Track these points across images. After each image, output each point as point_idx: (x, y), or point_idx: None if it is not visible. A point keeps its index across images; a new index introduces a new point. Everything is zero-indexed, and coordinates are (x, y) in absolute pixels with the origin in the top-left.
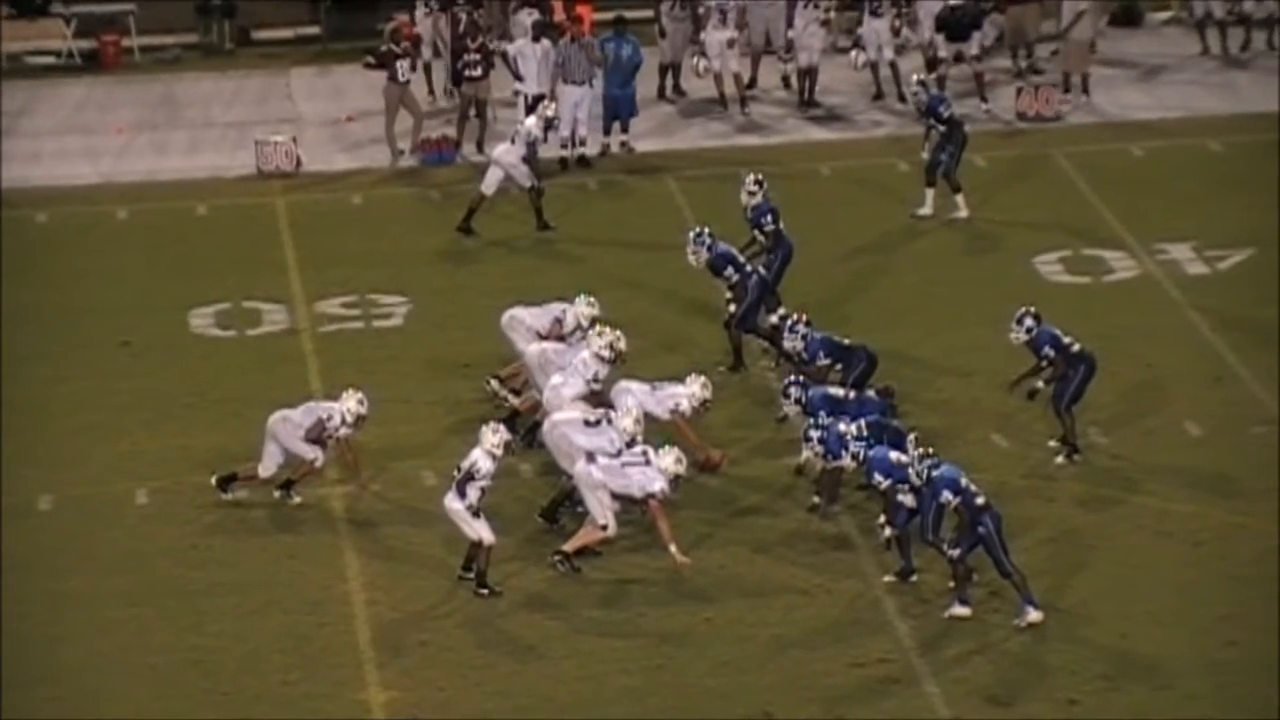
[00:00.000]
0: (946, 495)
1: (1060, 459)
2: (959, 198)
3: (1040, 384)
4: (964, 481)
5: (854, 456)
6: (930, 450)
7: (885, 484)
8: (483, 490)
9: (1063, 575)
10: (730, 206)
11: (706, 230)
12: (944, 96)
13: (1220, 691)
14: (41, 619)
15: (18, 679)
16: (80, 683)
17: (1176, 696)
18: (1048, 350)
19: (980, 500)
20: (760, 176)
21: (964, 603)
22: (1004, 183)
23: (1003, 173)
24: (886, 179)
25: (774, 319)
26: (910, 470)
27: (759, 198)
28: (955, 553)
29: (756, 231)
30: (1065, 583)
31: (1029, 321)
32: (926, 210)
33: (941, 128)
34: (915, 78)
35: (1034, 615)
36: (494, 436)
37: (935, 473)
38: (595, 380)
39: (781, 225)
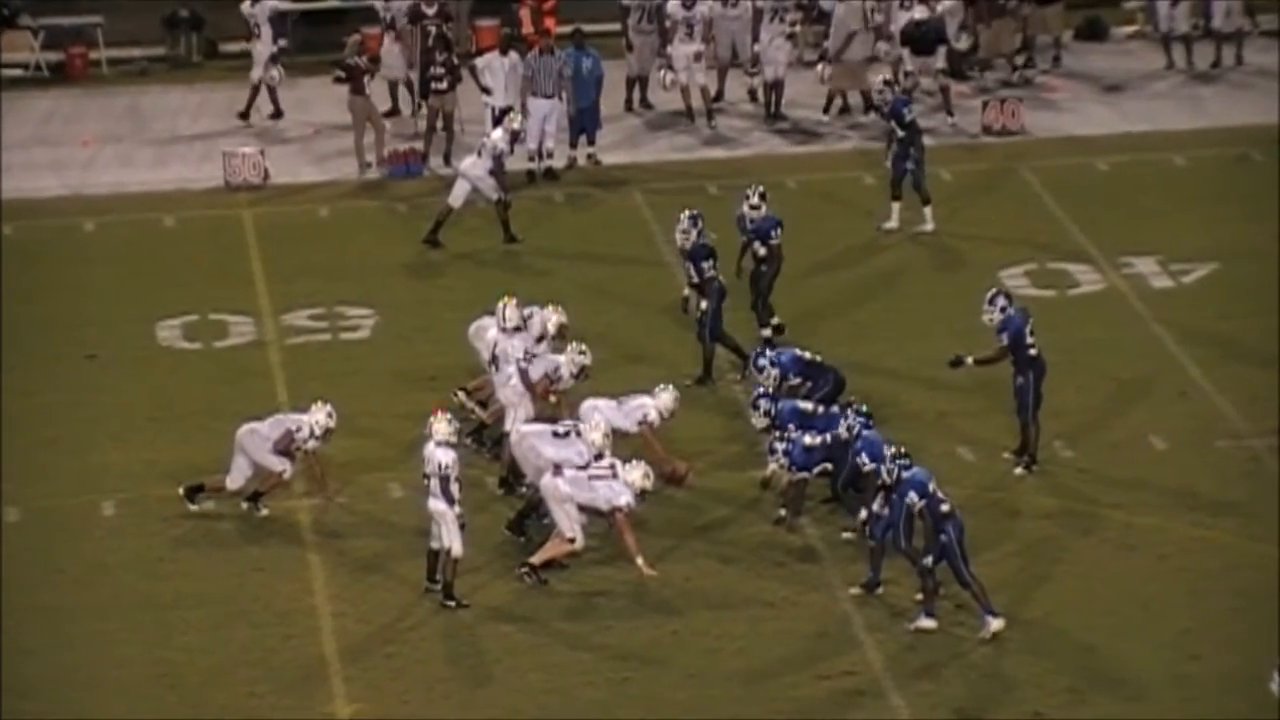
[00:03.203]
0: (913, 496)
1: (1019, 470)
2: (927, 210)
3: (970, 360)
4: (932, 486)
5: (848, 429)
6: (903, 451)
7: (870, 468)
8: (460, 483)
9: (1028, 588)
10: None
11: (699, 214)
12: (908, 100)
13: (1185, 705)
14: (7, 632)
15: None
16: (47, 696)
17: (1141, 710)
18: (1004, 338)
19: (945, 508)
20: (764, 189)
21: (930, 615)
22: (969, 196)
23: (968, 186)
24: (852, 192)
25: (767, 332)
26: (882, 469)
27: (764, 209)
28: (928, 561)
29: (759, 244)
30: (1031, 595)
31: (1001, 301)
32: (893, 224)
33: (901, 132)
34: (881, 78)
35: (995, 624)
36: (447, 426)
37: (905, 474)
38: (525, 358)
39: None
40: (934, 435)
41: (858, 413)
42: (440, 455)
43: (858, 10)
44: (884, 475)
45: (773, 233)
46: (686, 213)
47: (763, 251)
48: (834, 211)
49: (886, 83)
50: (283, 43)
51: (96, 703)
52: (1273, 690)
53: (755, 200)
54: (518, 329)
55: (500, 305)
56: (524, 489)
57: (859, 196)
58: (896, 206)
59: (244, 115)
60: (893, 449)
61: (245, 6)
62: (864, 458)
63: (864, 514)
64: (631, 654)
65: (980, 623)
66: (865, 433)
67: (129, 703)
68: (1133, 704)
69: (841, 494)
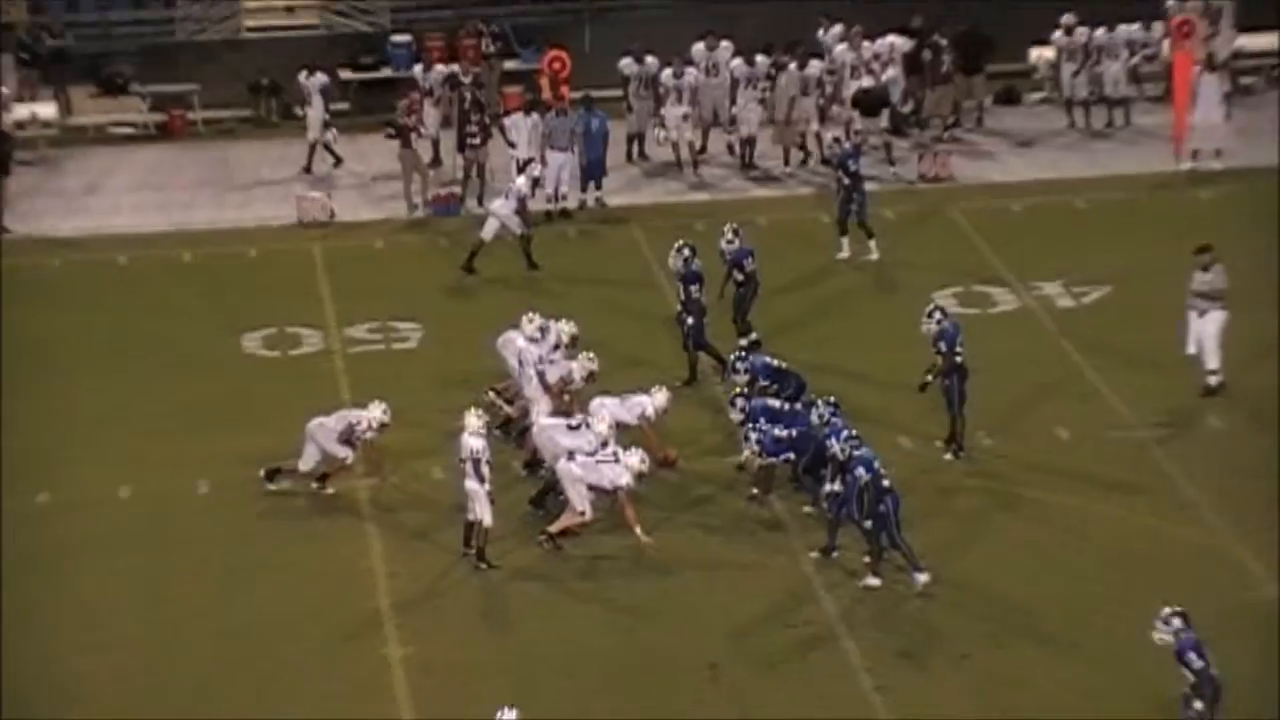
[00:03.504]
0: (861, 471)
1: (948, 456)
2: (872, 242)
3: (930, 378)
4: (877, 464)
5: (819, 418)
6: (855, 434)
7: (835, 450)
8: (490, 466)
9: (956, 552)
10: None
11: (690, 246)
12: (854, 153)
13: (1086, 646)
14: (114, 591)
15: (94, 642)
16: (146, 647)
17: (1050, 649)
18: (942, 346)
19: (886, 483)
20: (737, 226)
21: (876, 575)
22: (908, 232)
23: (907, 224)
24: (812, 229)
25: (743, 341)
26: (836, 446)
27: (738, 244)
28: (869, 524)
29: (736, 271)
30: (958, 558)
31: (938, 315)
32: (844, 254)
33: (847, 180)
34: (832, 136)
35: (923, 579)
36: (477, 420)
37: (856, 452)
38: (542, 363)
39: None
40: (879, 427)
41: (827, 404)
42: (472, 443)
43: (796, 79)
44: (838, 453)
45: (746, 261)
46: (681, 241)
47: (740, 277)
48: (797, 244)
49: (836, 139)
50: (341, 105)
51: (190, 650)
52: (1157, 640)
53: (730, 236)
54: (536, 339)
55: (524, 319)
56: (544, 472)
57: (817, 232)
58: (845, 240)
59: (307, 169)
60: (845, 432)
61: (301, 78)
62: (832, 441)
63: (827, 488)
64: (632, 608)
65: (911, 580)
66: (833, 420)
67: (216, 651)
68: (1042, 645)
69: (802, 478)
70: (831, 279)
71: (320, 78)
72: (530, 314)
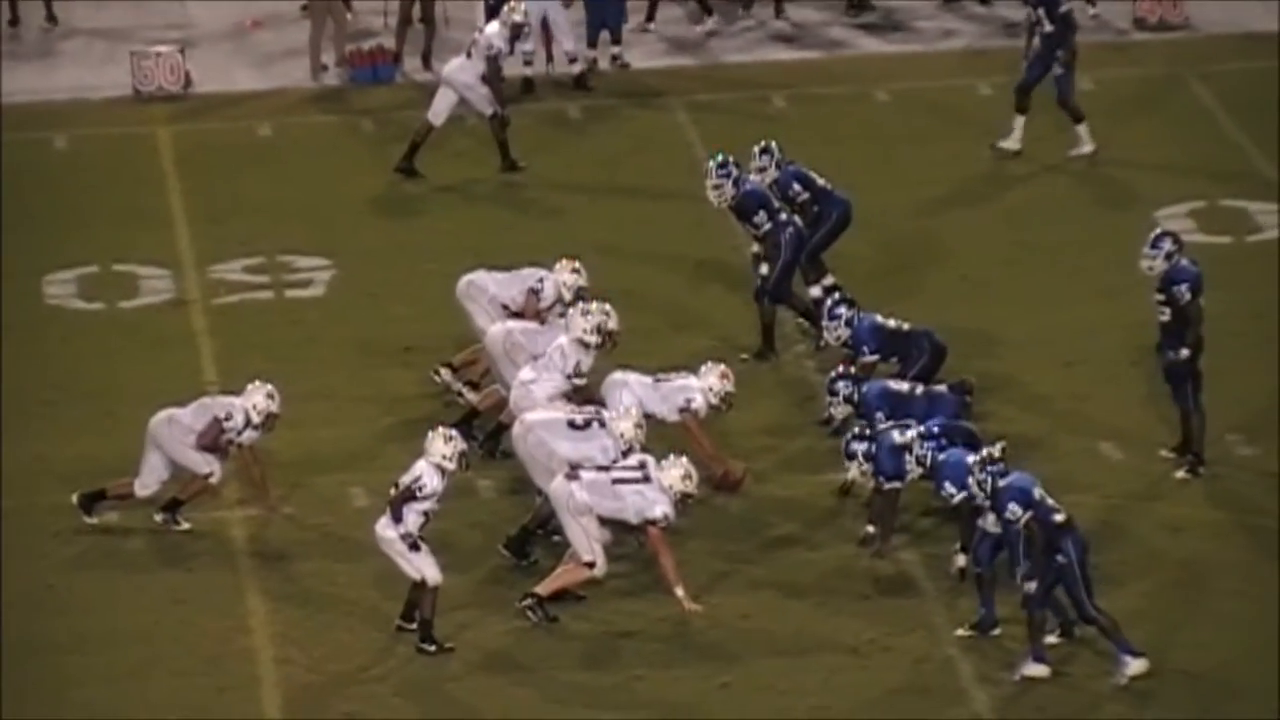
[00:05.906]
0: (1014, 509)
1: (1181, 473)
2: (1082, 129)
3: (1185, 353)
4: (1037, 493)
5: (919, 461)
6: (997, 455)
7: (959, 497)
8: (426, 515)
9: (1184, 626)
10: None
11: (732, 160)
12: None
13: None
14: None
15: None
16: None
17: None
18: (1183, 290)
19: (1059, 518)
20: (766, 144)
21: (1039, 659)
22: (1118, 112)
23: (1117, 99)
24: (965, 105)
25: (817, 291)
26: (971, 480)
27: (772, 171)
28: (1031, 586)
29: (787, 204)
30: (1187, 636)
31: (1168, 245)
32: (1012, 144)
33: (1050, 26)
34: None
35: (1135, 665)
36: (445, 445)
37: (1001, 482)
38: (577, 374)
39: (824, 183)
40: (1068, 427)
41: (953, 388)
42: (427, 476)
43: None
44: (974, 491)
45: (791, 191)
46: (713, 162)
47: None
48: (940, 131)
49: None
50: None
51: None
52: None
53: (761, 162)
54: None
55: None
56: (538, 500)
57: (974, 110)
58: (1020, 122)
59: (50, 17)
60: (986, 452)
61: None
62: (949, 487)
63: (960, 561)
64: (670, 714)
65: (1116, 663)
66: (942, 456)
67: None
68: None
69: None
70: (997, 190)
71: None
72: (572, 263)
